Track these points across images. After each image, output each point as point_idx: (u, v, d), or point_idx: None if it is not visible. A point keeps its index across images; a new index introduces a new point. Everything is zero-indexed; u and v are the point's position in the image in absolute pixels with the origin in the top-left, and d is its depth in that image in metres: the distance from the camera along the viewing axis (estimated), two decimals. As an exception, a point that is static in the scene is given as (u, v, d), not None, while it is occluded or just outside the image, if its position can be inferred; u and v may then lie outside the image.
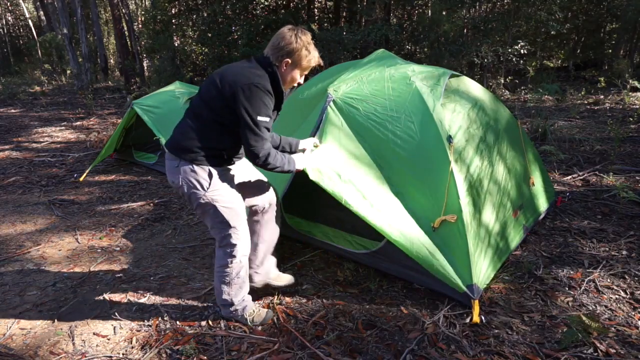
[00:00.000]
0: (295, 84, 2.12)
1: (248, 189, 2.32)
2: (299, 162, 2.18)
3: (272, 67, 1.97)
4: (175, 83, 5.91)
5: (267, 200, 2.40)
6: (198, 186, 2.03)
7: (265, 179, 2.43)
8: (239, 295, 2.29)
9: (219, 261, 2.22)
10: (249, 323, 2.31)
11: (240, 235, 2.16)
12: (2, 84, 15.67)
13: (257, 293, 2.63)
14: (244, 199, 2.25)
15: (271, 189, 2.43)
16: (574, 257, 2.95)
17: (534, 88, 9.96)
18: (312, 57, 2.01)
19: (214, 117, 1.98)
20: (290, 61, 1.98)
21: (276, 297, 2.58)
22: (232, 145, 2.08)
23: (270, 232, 2.47)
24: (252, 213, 2.40)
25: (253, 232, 2.41)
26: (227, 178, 2.14)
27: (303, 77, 2.11)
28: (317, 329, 2.27)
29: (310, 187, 2.97)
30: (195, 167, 2.01)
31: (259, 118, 1.90)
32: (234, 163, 2.20)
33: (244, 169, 2.33)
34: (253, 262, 2.46)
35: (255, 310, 2.36)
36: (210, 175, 2.04)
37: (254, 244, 2.44)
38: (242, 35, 11.92)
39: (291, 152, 2.37)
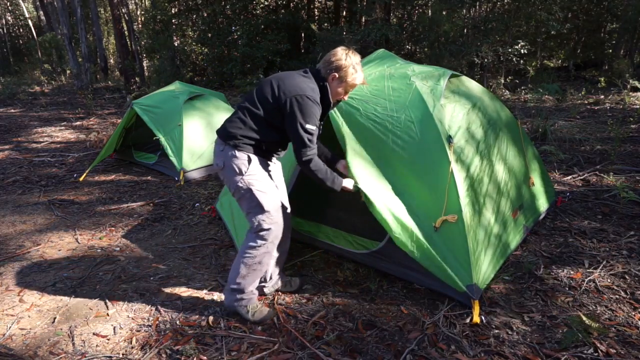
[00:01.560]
0: (339, 98, 2.29)
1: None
2: (346, 184, 2.30)
3: (323, 80, 2.18)
4: (175, 83, 5.91)
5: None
6: (237, 169, 2.18)
7: (287, 198, 2.49)
8: (251, 285, 2.32)
9: (246, 242, 2.26)
10: (250, 317, 2.32)
11: (273, 220, 2.23)
12: (2, 84, 15.67)
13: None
14: None
15: (288, 210, 2.46)
16: (574, 257, 2.95)
17: (534, 88, 9.95)
18: (357, 76, 2.21)
19: (263, 115, 2.16)
20: (337, 75, 2.17)
21: (276, 297, 2.58)
22: (273, 140, 2.24)
23: (282, 245, 2.45)
24: None
25: None
26: (265, 168, 2.28)
27: (348, 94, 2.30)
28: (317, 329, 2.27)
29: (311, 188, 2.97)
30: (237, 152, 2.18)
31: (308, 126, 2.09)
32: (271, 160, 2.35)
33: (277, 178, 2.42)
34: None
35: (258, 306, 2.37)
36: (249, 160, 2.19)
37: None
38: (242, 35, 11.92)
39: (326, 162, 2.51)
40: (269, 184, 2.25)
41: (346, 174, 2.41)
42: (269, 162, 2.33)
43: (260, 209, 2.21)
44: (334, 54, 2.17)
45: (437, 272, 2.34)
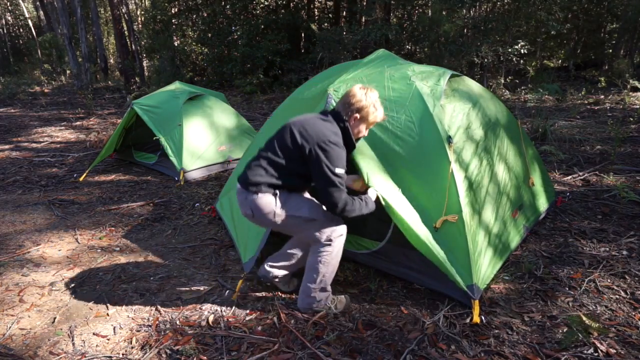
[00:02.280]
0: (361, 136, 2.29)
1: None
2: (373, 195, 2.28)
3: (344, 122, 2.17)
4: (175, 83, 5.91)
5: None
6: (266, 210, 2.17)
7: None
8: (330, 280, 2.33)
9: (316, 247, 2.26)
10: (335, 310, 2.36)
11: (329, 223, 2.22)
12: (2, 84, 15.66)
13: (257, 293, 2.63)
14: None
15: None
16: (574, 257, 2.95)
17: (534, 88, 9.94)
18: (378, 114, 2.21)
19: (285, 164, 2.16)
20: (359, 116, 2.17)
21: (276, 297, 2.58)
22: (297, 185, 2.24)
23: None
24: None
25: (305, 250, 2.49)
26: (292, 194, 2.26)
27: (368, 130, 2.29)
28: (317, 329, 2.27)
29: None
30: (260, 195, 2.16)
31: (337, 170, 2.07)
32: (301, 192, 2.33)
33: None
34: (279, 264, 2.54)
35: (335, 299, 2.41)
36: (275, 195, 2.19)
37: (296, 259, 2.52)
38: (242, 35, 11.93)
39: None
40: (300, 199, 2.25)
41: (354, 187, 2.41)
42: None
43: (309, 221, 2.21)
44: (353, 95, 2.16)
45: (441, 266, 2.36)
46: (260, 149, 2.26)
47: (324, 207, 2.21)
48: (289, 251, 2.52)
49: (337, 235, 2.24)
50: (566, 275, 2.72)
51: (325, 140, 2.06)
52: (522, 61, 10.76)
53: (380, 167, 2.50)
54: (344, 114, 2.17)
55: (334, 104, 2.64)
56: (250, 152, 3.61)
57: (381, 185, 2.36)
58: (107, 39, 23.95)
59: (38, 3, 20.96)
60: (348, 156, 2.24)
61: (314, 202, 2.29)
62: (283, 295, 2.60)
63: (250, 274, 2.72)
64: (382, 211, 2.36)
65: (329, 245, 2.24)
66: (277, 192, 2.19)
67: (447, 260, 2.35)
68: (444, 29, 11.01)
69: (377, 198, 2.30)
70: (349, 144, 2.20)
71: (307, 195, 2.39)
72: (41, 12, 20.97)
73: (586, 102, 8.85)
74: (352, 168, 2.41)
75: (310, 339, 2.19)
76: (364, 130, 2.25)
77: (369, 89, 2.19)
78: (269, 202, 2.17)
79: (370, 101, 2.16)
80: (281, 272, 2.55)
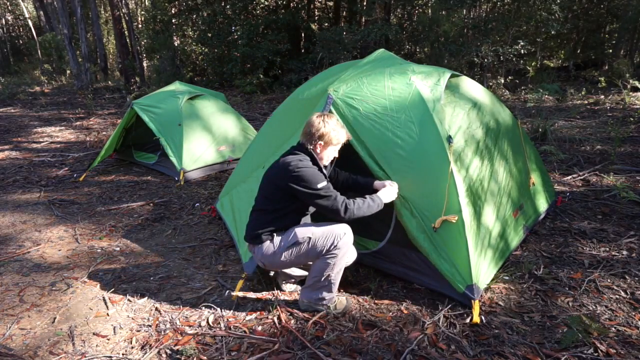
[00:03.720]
0: (333, 159, 2.40)
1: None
2: (385, 196, 2.34)
3: (308, 150, 2.30)
4: (175, 83, 5.91)
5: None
6: (269, 254, 2.30)
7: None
8: (337, 282, 2.36)
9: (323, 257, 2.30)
10: (333, 311, 2.38)
11: (320, 235, 2.24)
12: (2, 84, 15.67)
13: (257, 293, 2.63)
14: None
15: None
16: (574, 257, 2.95)
17: (534, 88, 9.94)
18: (340, 136, 2.31)
19: (276, 207, 2.29)
20: (322, 143, 2.28)
21: (276, 297, 2.58)
22: (291, 222, 2.33)
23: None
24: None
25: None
26: (287, 230, 2.33)
27: (337, 151, 2.38)
28: (317, 329, 2.27)
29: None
30: (261, 245, 2.31)
31: (318, 186, 2.18)
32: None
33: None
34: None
35: (336, 300, 2.43)
36: (271, 239, 2.30)
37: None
38: (242, 35, 11.91)
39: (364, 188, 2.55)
40: (291, 230, 2.30)
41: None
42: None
43: (308, 242, 2.25)
44: (312, 124, 2.27)
45: (441, 265, 2.39)
46: (253, 206, 2.42)
47: (332, 222, 2.28)
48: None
49: (339, 239, 2.24)
50: (566, 275, 2.72)
51: (292, 169, 2.19)
52: (522, 61, 10.75)
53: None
54: (308, 144, 2.29)
55: (334, 106, 2.65)
56: (250, 152, 3.62)
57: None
58: (107, 39, 23.94)
59: (38, 3, 20.94)
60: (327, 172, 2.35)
61: (302, 225, 2.35)
62: (283, 296, 2.60)
63: (252, 274, 2.72)
64: (382, 211, 2.36)
65: (334, 251, 2.26)
66: (274, 234, 2.31)
67: (448, 260, 2.35)
68: (444, 29, 11.02)
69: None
70: (319, 167, 2.29)
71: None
72: (41, 12, 20.95)
73: (586, 102, 8.85)
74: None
75: (310, 339, 2.19)
76: (333, 152, 2.35)
77: (325, 115, 2.31)
78: (269, 247, 2.30)
79: (330, 127, 2.26)
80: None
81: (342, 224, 2.29)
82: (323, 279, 2.30)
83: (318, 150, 2.31)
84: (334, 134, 2.28)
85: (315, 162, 2.29)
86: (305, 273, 2.61)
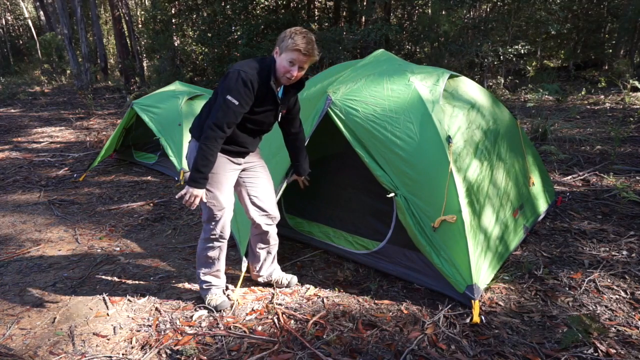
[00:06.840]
0: (290, 76, 2.08)
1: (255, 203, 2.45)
2: (199, 188, 2.10)
3: (272, 59, 2.12)
4: (175, 83, 5.91)
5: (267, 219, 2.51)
6: (189, 155, 2.26)
7: (274, 200, 2.52)
8: (212, 270, 2.45)
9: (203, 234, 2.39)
10: (207, 303, 2.47)
11: (217, 217, 2.29)
12: (2, 84, 15.67)
13: (257, 293, 2.64)
14: (248, 211, 2.46)
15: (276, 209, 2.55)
16: (574, 257, 2.95)
17: (534, 88, 9.94)
18: (292, 41, 2.01)
19: (210, 109, 2.19)
20: (278, 49, 2.09)
21: (276, 297, 2.58)
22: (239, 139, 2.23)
23: (271, 241, 2.59)
24: (255, 226, 2.52)
25: (254, 241, 2.60)
26: (224, 168, 2.25)
27: (296, 68, 2.07)
28: (317, 329, 2.27)
29: (311, 188, 2.97)
30: (190, 142, 2.27)
31: (229, 97, 2.02)
32: (232, 158, 2.28)
33: (258, 184, 2.44)
34: (255, 267, 2.66)
35: (216, 294, 2.50)
36: (195, 141, 2.22)
37: (253, 251, 2.62)
38: (242, 35, 11.91)
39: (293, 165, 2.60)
40: (217, 182, 2.27)
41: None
42: (232, 162, 2.30)
43: (207, 209, 2.29)
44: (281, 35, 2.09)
45: (441, 265, 2.39)
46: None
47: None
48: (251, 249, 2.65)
49: (217, 232, 2.34)
50: (566, 275, 2.72)
51: (232, 70, 2.04)
52: (522, 61, 10.76)
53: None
54: (274, 54, 2.11)
55: (333, 107, 2.65)
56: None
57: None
58: (107, 39, 23.95)
59: (38, 3, 20.95)
60: (269, 100, 2.16)
61: (226, 194, 2.31)
62: (283, 296, 2.60)
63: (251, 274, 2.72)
64: (382, 211, 2.36)
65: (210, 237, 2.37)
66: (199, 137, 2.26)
67: (448, 260, 2.35)
68: (444, 29, 11.01)
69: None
70: (267, 84, 2.09)
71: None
72: (41, 12, 20.96)
73: (586, 102, 8.85)
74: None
75: (310, 339, 2.19)
76: (288, 65, 2.05)
77: (298, 28, 2.06)
78: (192, 147, 2.28)
79: (289, 33, 2.04)
80: (266, 270, 2.66)
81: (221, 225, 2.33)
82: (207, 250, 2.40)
83: (276, 59, 2.09)
84: (289, 40, 2.01)
85: (268, 71, 2.08)
86: (273, 271, 2.70)
